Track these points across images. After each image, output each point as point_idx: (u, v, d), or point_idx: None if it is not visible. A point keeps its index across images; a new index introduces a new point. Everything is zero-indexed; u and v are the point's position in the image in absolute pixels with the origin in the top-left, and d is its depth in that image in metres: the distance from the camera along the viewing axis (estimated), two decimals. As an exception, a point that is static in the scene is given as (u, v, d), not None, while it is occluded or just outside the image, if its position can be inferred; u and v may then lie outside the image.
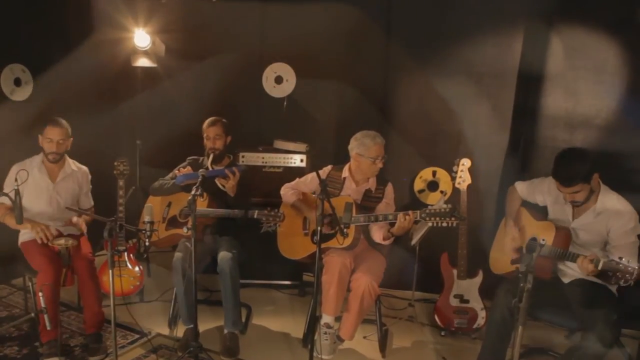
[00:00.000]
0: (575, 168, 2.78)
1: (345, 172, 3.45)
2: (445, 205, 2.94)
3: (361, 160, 3.33)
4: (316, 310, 3.04)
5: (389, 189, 3.45)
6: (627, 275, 2.46)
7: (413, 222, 3.04)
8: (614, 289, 2.90)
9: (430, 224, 2.98)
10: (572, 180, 2.78)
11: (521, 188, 3.27)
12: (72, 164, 3.53)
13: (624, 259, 2.51)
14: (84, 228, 3.41)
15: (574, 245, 2.95)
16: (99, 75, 4.48)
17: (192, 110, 4.24)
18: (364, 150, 3.30)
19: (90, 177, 3.63)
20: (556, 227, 2.95)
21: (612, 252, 2.82)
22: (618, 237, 2.82)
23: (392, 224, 3.13)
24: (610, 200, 2.86)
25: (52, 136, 3.33)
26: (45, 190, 3.40)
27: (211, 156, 3.49)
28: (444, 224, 2.95)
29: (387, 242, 3.24)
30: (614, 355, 3.13)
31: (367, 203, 3.38)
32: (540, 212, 3.17)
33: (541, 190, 3.15)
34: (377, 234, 3.27)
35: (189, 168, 3.53)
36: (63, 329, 3.40)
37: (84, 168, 3.61)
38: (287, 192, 3.54)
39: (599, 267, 2.57)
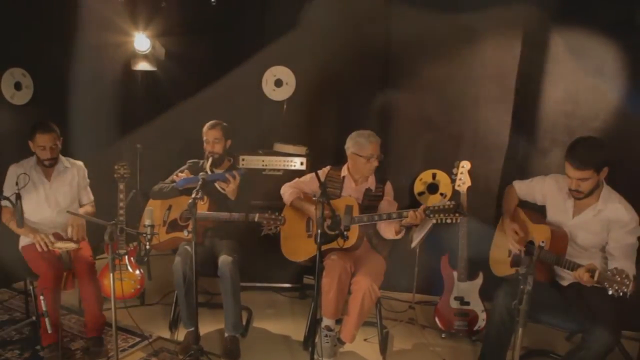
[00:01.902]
0: (592, 152, 2.76)
1: (344, 172, 3.49)
2: (449, 202, 2.95)
3: (356, 159, 3.37)
4: (317, 313, 3.05)
5: (388, 186, 3.47)
6: (623, 288, 2.45)
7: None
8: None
9: (434, 221, 3.00)
10: (586, 163, 2.74)
11: (519, 186, 3.28)
12: (65, 161, 3.53)
13: (618, 267, 2.51)
14: (81, 234, 3.40)
15: (572, 247, 2.95)
16: (99, 79, 4.49)
17: (192, 114, 4.25)
18: (358, 149, 3.34)
19: (86, 171, 3.63)
20: (552, 230, 2.94)
21: (610, 254, 2.83)
22: (618, 238, 2.81)
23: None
24: (612, 199, 2.86)
25: (45, 143, 3.32)
26: (43, 189, 3.41)
27: (210, 159, 3.49)
28: (448, 221, 2.97)
29: (399, 236, 3.24)
30: (615, 357, 3.13)
31: (369, 202, 3.40)
32: (538, 214, 3.17)
33: (541, 188, 3.15)
34: (388, 229, 3.27)
35: (187, 172, 3.54)
36: (64, 333, 3.40)
37: (79, 163, 3.61)
38: (287, 191, 3.55)
39: (595, 278, 2.56)
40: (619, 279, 2.47)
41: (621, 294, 2.46)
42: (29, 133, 3.34)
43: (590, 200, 2.89)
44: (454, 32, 3.90)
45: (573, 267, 2.73)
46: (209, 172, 3.45)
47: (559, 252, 2.88)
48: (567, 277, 2.99)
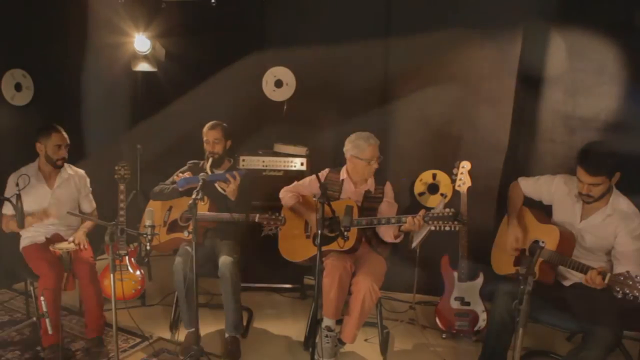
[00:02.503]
0: (605, 158, 2.75)
1: (343, 174, 3.48)
2: (448, 210, 2.94)
3: (356, 162, 3.35)
4: (317, 313, 3.05)
5: (388, 187, 3.46)
6: (635, 292, 2.43)
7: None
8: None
9: (433, 228, 2.99)
10: (599, 169, 2.72)
11: (525, 184, 3.23)
12: (68, 169, 3.53)
13: (631, 272, 2.50)
14: (85, 242, 3.38)
15: (578, 249, 2.93)
16: (100, 80, 4.50)
17: (192, 115, 4.25)
18: (358, 152, 3.32)
19: (88, 180, 3.63)
20: (560, 231, 2.92)
21: (616, 258, 2.81)
22: (625, 242, 2.78)
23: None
24: (620, 204, 2.83)
25: (62, 141, 3.37)
26: (44, 197, 3.40)
27: (210, 160, 3.50)
28: (447, 228, 2.97)
29: (398, 240, 3.25)
30: (615, 357, 3.12)
31: (369, 204, 3.39)
32: (544, 214, 3.15)
33: (548, 188, 3.12)
34: (387, 233, 3.28)
35: (189, 172, 3.54)
36: (64, 333, 3.40)
37: (81, 171, 3.62)
38: (286, 195, 3.55)
39: (606, 281, 2.55)
40: (630, 282, 2.44)
41: (632, 297, 2.44)
42: (39, 134, 3.35)
43: (599, 204, 2.86)
44: (454, 32, 3.89)
45: (582, 269, 2.71)
46: (209, 173, 3.45)
47: (566, 254, 2.86)
48: (569, 277, 2.98)
